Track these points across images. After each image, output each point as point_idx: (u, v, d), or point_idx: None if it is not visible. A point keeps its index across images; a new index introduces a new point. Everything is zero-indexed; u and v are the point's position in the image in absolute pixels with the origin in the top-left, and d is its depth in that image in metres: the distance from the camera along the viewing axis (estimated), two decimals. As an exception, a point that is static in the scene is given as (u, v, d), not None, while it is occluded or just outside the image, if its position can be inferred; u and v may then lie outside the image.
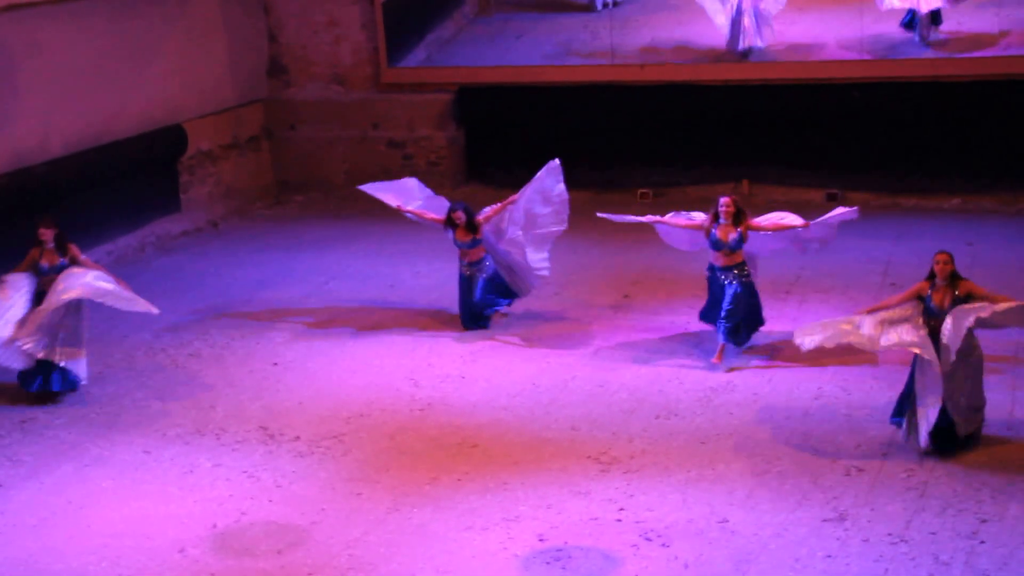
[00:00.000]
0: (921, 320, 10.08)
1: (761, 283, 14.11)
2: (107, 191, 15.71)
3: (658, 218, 12.46)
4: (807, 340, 10.28)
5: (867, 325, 10.18)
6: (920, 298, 10.20)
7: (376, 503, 9.72)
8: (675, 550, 8.87)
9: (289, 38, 19.15)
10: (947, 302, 10.05)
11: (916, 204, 16.64)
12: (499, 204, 13.41)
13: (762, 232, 12.12)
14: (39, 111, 15.30)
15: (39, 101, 15.30)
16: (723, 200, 11.97)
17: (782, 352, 12.24)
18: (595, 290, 14.23)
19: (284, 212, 18.36)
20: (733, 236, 11.95)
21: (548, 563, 8.81)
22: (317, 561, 8.93)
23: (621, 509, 9.46)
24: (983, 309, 9.81)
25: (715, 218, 12.00)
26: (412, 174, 18.70)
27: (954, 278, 10.13)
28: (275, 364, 12.54)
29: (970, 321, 9.77)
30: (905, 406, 10.24)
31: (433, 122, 18.78)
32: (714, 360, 12.01)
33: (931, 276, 10.19)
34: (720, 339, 12.06)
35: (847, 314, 12.89)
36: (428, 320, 13.60)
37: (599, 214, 12.87)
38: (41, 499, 9.99)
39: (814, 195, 17.41)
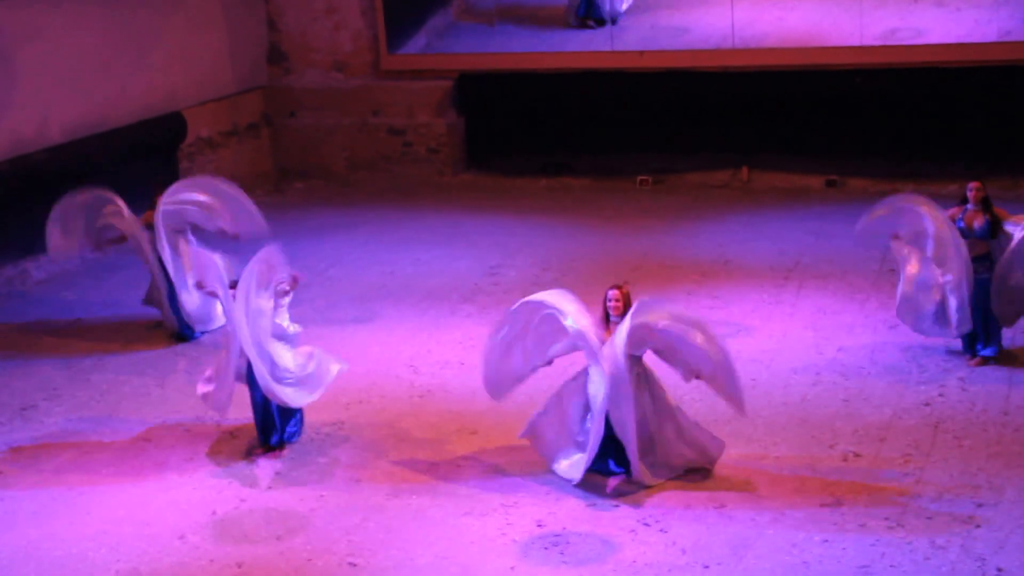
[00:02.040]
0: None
1: (759, 269, 14.21)
2: (106, 178, 15.66)
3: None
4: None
5: None
6: (952, 220, 11.33)
7: (375, 489, 9.75)
8: (673, 535, 8.90)
9: (288, 25, 19.14)
10: (977, 224, 11.22)
11: (915, 190, 16.59)
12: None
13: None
14: (38, 98, 15.31)
15: (38, 88, 15.31)
16: (611, 293, 9.65)
17: (782, 338, 12.29)
18: (595, 276, 14.22)
19: (284, 199, 18.38)
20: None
21: (546, 548, 8.84)
22: (316, 547, 8.96)
23: (619, 495, 9.48)
24: None
25: (605, 318, 9.69)
26: (412, 161, 18.86)
27: (986, 203, 11.29)
28: (275, 351, 12.54)
29: None
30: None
31: (433, 109, 18.78)
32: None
33: (963, 201, 11.36)
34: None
35: (847, 299, 13.06)
36: (427, 307, 13.62)
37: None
38: (41, 486, 10.02)
39: (813, 181, 17.43)
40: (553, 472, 9.80)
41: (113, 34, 16.38)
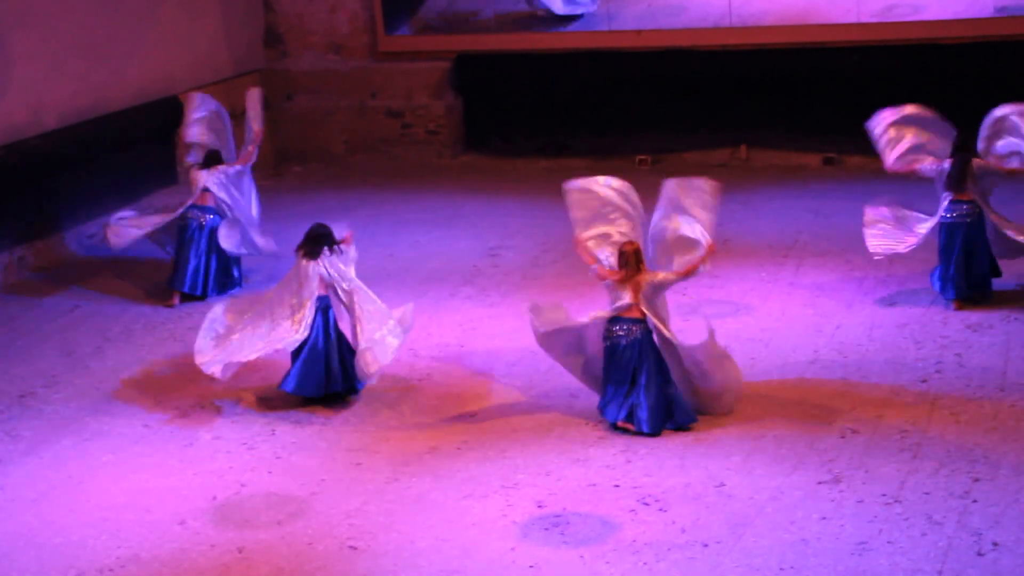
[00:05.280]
0: None
1: (758, 248, 14.22)
2: (103, 164, 15.72)
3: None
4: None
5: None
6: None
7: (375, 473, 9.77)
8: (672, 515, 8.92)
9: (285, 7, 19.12)
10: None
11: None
12: None
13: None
14: (32, 83, 15.28)
15: (32, 73, 15.27)
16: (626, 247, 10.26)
17: (781, 316, 12.30)
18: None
19: (282, 182, 18.38)
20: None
21: (547, 529, 8.87)
22: (317, 531, 8.99)
23: (619, 475, 9.50)
24: None
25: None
26: (411, 143, 18.86)
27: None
28: (274, 335, 12.54)
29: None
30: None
31: (431, 91, 18.77)
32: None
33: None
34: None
35: (845, 277, 13.08)
36: (427, 289, 13.63)
37: None
38: (40, 473, 10.03)
39: (811, 159, 17.44)
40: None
41: (108, 18, 16.35)
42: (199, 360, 10.86)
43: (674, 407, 10.14)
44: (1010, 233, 12.10)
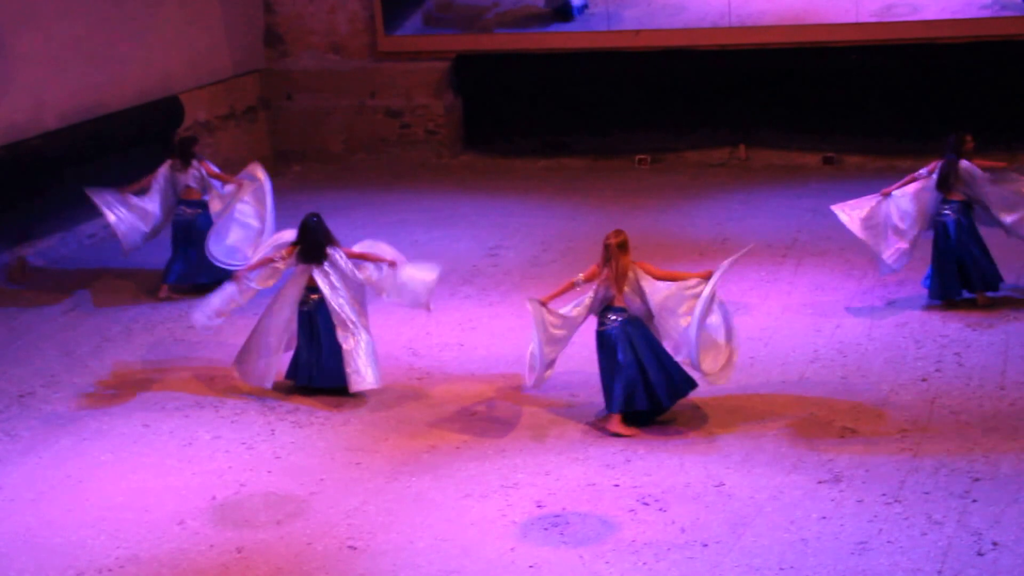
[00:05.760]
0: None
1: (757, 246, 14.19)
2: (103, 164, 15.69)
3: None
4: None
5: None
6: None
7: (375, 472, 9.77)
8: (672, 514, 8.92)
9: (285, 7, 19.11)
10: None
11: (912, 166, 16.55)
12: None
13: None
14: (33, 83, 15.28)
15: (33, 73, 15.28)
16: (611, 239, 10.46)
17: (780, 315, 12.29)
18: (593, 256, 14.16)
19: (281, 182, 18.31)
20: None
21: (546, 529, 8.86)
22: (316, 531, 8.99)
23: (619, 475, 9.50)
24: None
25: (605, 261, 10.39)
26: (411, 143, 18.85)
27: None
28: (273, 335, 12.54)
29: None
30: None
31: (431, 90, 18.76)
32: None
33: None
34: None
35: (845, 276, 13.08)
36: (426, 289, 13.61)
37: None
38: (40, 473, 10.03)
39: (811, 158, 17.43)
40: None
41: (108, 18, 16.35)
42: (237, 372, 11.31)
43: (676, 377, 10.21)
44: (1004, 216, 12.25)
